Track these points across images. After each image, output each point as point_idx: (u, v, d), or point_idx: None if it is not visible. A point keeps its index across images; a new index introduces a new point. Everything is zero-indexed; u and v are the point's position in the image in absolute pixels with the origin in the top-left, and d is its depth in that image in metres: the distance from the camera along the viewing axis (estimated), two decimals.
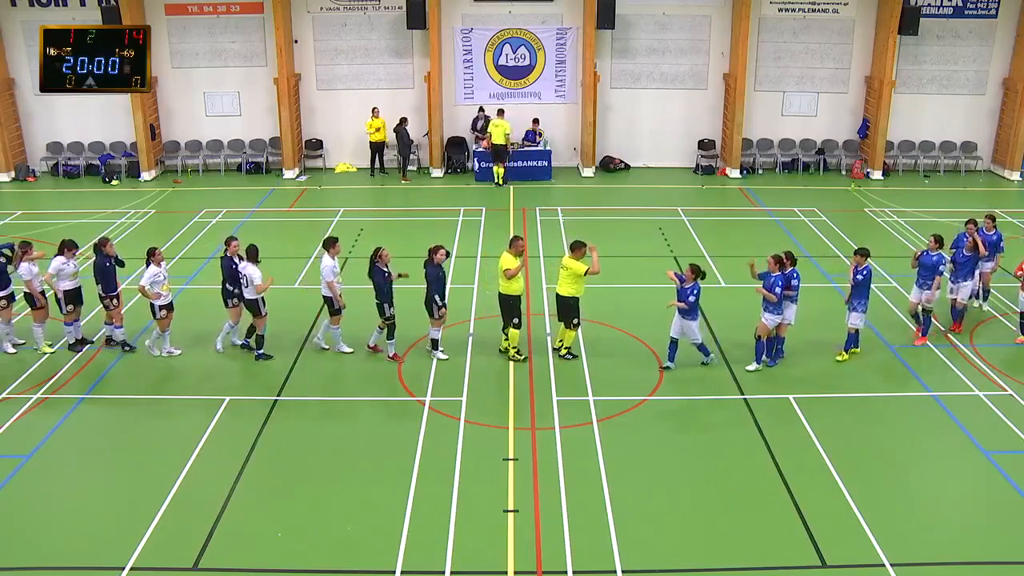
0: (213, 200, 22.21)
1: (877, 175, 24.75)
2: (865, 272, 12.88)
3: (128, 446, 11.26)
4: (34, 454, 10.88)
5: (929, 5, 23.90)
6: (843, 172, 25.30)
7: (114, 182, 24.21)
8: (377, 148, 24.63)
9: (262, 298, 13.10)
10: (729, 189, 23.86)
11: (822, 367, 13.17)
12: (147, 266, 12.98)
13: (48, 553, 9.14)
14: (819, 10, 24.42)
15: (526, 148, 24.40)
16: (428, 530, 9.40)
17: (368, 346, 13.48)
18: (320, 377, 12.97)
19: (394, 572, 8.79)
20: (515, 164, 24.07)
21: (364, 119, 24.41)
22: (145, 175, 24.45)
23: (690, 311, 12.50)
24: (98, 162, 24.74)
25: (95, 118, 24.76)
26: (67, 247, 13.33)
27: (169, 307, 13.18)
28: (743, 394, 12.38)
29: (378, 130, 24.35)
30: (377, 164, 24.85)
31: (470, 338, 13.96)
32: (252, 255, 13.01)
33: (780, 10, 24.40)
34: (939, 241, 13.57)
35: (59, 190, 23.85)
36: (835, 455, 10.76)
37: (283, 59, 23.82)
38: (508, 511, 9.70)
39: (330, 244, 13.18)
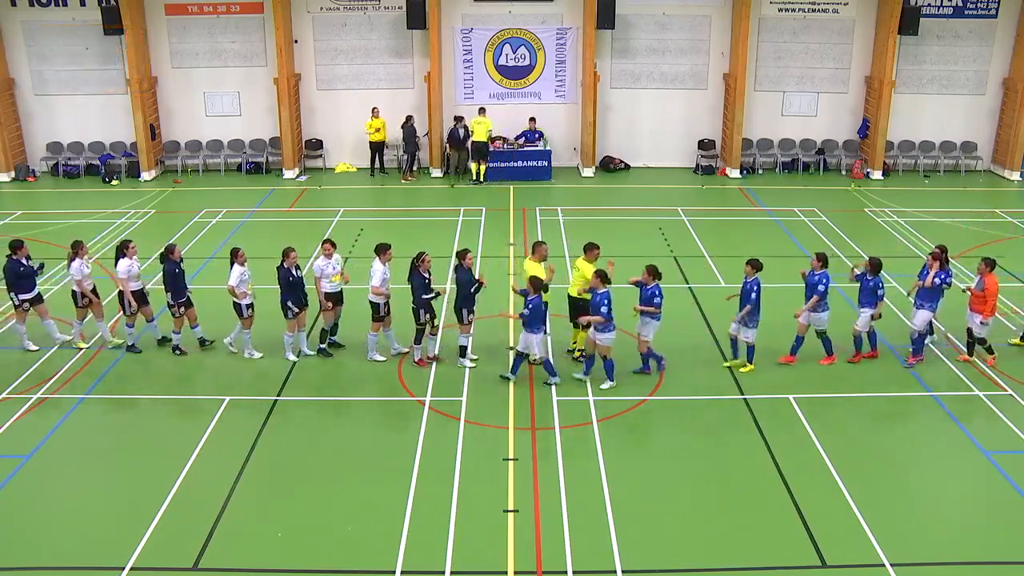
0: (213, 200, 22.21)
1: (877, 175, 24.75)
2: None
3: (128, 446, 11.26)
4: (34, 454, 10.88)
5: (929, 5, 23.91)
6: (843, 172, 25.30)
7: (114, 182, 24.21)
8: (377, 148, 24.64)
9: (326, 295, 13.04)
10: (729, 189, 23.86)
11: (822, 367, 13.16)
12: (232, 266, 12.95)
13: (48, 553, 9.15)
14: (819, 10, 24.42)
15: (526, 148, 24.41)
16: (428, 530, 9.40)
17: (415, 361, 13.19)
18: (320, 377, 12.96)
19: (394, 572, 8.79)
20: (515, 164, 24.08)
21: (364, 119, 24.41)
22: (145, 175, 24.45)
23: (529, 323, 12.05)
24: (98, 162, 24.73)
25: (95, 118, 24.77)
26: (127, 247, 13.29)
27: (251, 306, 13.14)
28: (743, 394, 12.38)
29: (378, 130, 24.35)
30: (377, 164, 24.86)
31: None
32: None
33: (780, 10, 24.40)
34: (821, 259, 12.75)
35: (59, 190, 23.85)
36: (835, 455, 10.77)
37: (283, 59, 23.82)
38: (508, 511, 9.70)
39: (382, 250, 12.94)
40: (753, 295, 12.45)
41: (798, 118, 25.38)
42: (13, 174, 24.41)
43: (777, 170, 25.56)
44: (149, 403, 12.38)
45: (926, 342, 13.51)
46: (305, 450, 11.12)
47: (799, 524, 9.51)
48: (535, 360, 12.94)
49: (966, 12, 24.19)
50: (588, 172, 24.96)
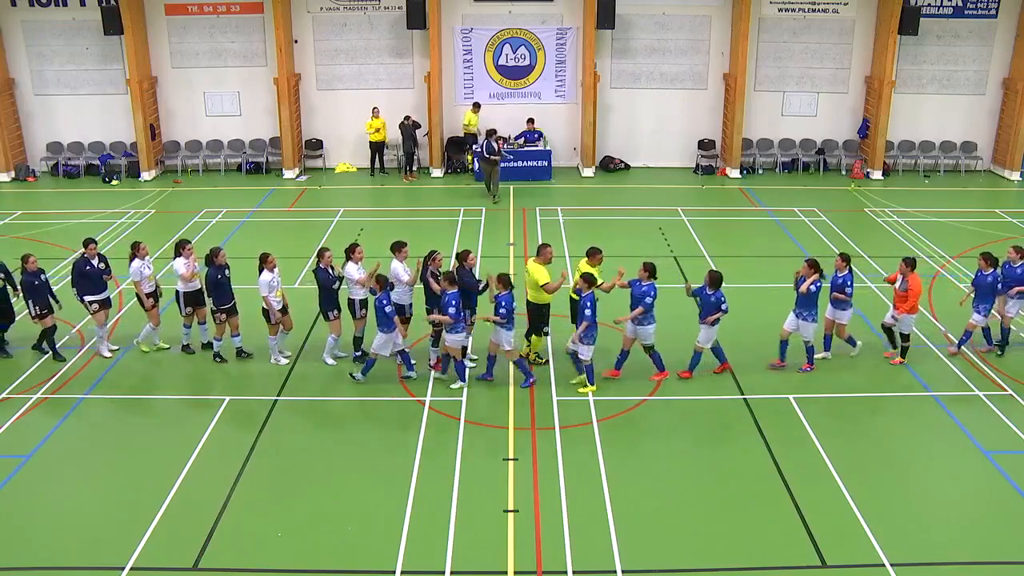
0: (213, 200, 22.22)
1: (877, 175, 24.75)
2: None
3: (128, 446, 11.25)
4: (34, 454, 10.89)
5: (929, 5, 23.91)
6: (843, 172, 25.30)
7: (114, 182, 24.21)
8: (377, 148, 24.65)
9: (359, 300, 12.88)
10: (729, 189, 23.86)
11: (822, 367, 13.15)
12: (260, 271, 12.71)
13: (48, 553, 9.15)
14: (819, 10, 24.43)
15: (526, 148, 24.41)
16: (428, 530, 9.40)
17: (430, 365, 13.01)
18: (320, 377, 12.95)
19: (394, 572, 8.79)
20: (515, 164, 24.06)
21: (364, 119, 24.41)
22: (145, 175, 24.45)
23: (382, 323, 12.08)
24: (98, 162, 24.73)
25: (95, 118, 24.78)
26: (184, 247, 13.09)
27: (283, 311, 13.03)
28: (743, 394, 12.38)
29: (378, 130, 24.35)
30: (377, 164, 24.86)
31: (469, 339, 13.91)
32: (347, 253, 12.84)
33: (780, 10, 24.40)
34: (649, 269, 12.19)
35: (59, 190, 23.85)
36: (835, 455, 10.77)
37: (283, 59, 23.82)
38: (508, 511, 9.71)
39: (398, 248, 12.85)
40: (587, 311, 11.90)
41: (798, 118, 25.38)
42: (13, 174, 24.41)
43: (777, 170, 25.56)
44: (149, 403, 12.39)
45: (852, 354, 13.31)
46: (305, 450, 11.12)
47: (799, 524, 9.51)
48: (540, 362, 12.96)
49: (966, 12, 24.19)
50: (588, 172, 24.96)
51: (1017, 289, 13.07)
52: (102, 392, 12.52)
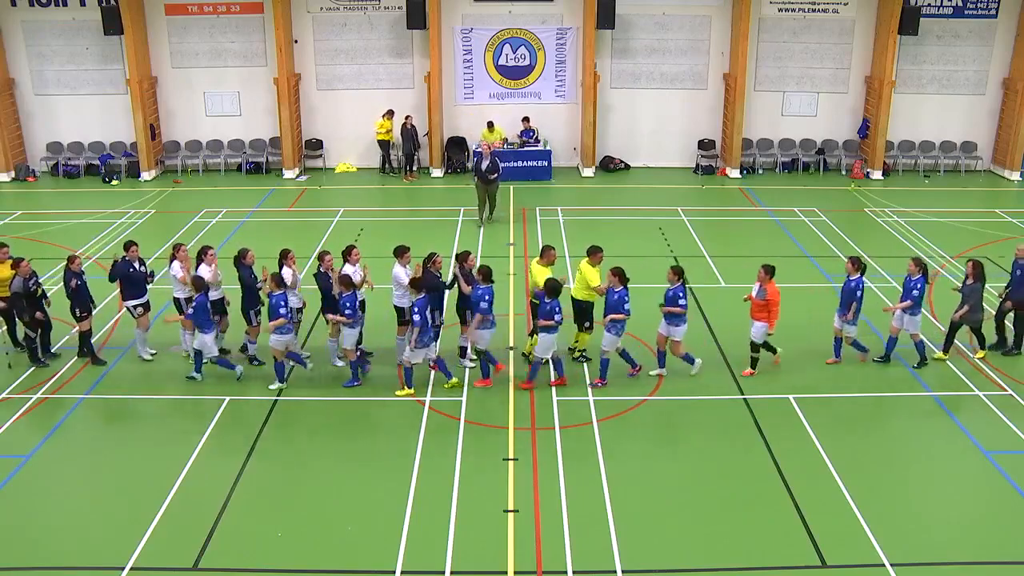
0: (213, 200, 22.21)
1: (877, 175, 24.75)
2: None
3: (128, 446, 11.26)
4: (34, 454, 10.89)
5: (929, 5, 23.90)
6: (843, 172, 25.30)
7: (114, 182, 24.21)
8: (386, 147, 24.64)
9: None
10: (729, 189, 23.86)
11: (821, 368, 13.15)
12: (280, 268, 12.64)
13: (48, 553, 9.15)
14: (819, 10, 24.42)
15: (525, 148, 24.41)
16: (428, 530, 9.40)
17: (429, 364, 12.93)
18: (320, 377, 12.94)
19: (394, 572, 8.80)
20: (515, 164, 24.06)
21: (364, 119, 24.47)
22: (145, 175, 24.45)
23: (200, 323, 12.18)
24: (98, 162, 24.73)
25: (95, 118, 24.77)
26: (205, 253, 12.85)
27: (300, 310, 12.97)
28: (743, 394, 12.38)
29: (389, 131, 24.34)
30: (386, 163, 24.83)
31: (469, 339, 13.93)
32: (344, 256, 12.77)
33: (780, 10, 24.40)
34: (484, 274, 12.22)
35: (59, 190, 23.85)
36: (835, 455, 10.77)
37: (283, 59, 23.82)
38: (508, 511, 9.71)
39: (400, 253, 12.78)
40: (415, 316, 11.82)
41: (798, 118, 25.37)
42: (13, 174, 24.40)
43: (777, 170, 25.55)
44: (149, 403, 12.38)
45: (692, 372, 12.82)
46: (305, 450, 11.13)
47: (799, 524, 9.51)
48: (535, 358, 12.93)
49: (966, 12, 24.18)
50: (588, 172, 24.96)
51: (902, 305, 12.76)
52: (102, 393, 12.52)
